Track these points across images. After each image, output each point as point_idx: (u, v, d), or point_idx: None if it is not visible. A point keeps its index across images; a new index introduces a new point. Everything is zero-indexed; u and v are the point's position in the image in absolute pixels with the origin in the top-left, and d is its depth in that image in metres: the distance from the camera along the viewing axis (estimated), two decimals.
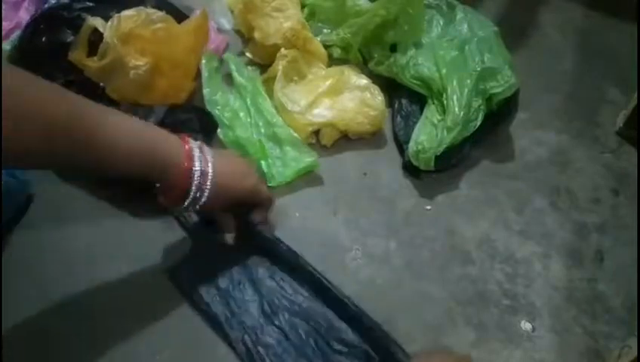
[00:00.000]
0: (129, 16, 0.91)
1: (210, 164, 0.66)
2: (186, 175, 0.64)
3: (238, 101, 0.99)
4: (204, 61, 0.99)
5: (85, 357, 0.73)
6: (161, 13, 0.94)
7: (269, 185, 0.91)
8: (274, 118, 0.95)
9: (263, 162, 0.92)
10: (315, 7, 1.12)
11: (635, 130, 1.03)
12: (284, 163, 0.92)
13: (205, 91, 0.98)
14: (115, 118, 0.60)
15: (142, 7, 0.94)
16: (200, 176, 0.65)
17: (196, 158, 0.64)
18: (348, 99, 0.99)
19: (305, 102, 0.97)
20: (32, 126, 0.50)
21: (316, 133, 0.99)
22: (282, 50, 1.01)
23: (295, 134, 0.94)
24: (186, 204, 0.67)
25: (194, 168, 0.64)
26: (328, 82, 1.00)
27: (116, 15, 0.91)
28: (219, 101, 0.97)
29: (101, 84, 0.94)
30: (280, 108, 0.97)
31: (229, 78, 1.03)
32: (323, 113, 0.97)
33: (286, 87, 0.99)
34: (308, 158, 0.92)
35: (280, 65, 1.00)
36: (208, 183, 0.66)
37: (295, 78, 1.02)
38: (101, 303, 0.77)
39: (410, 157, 0.94)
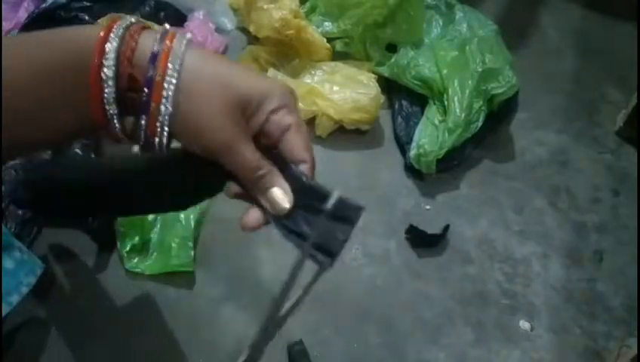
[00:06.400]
0: None
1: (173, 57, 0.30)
2: (94, 77, 0.29)
3: None
4: None
5: None
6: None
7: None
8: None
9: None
10: (317, 1, 1.12)
11: (635, 130, 1.03)
12: (159, 253, 0.83)
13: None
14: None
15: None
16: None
17: (113, 39, 0.29)
18: (341, 86, 0.98)
19: (297, 90, 0.96)
20: None
21: (312, 123, 0.98)
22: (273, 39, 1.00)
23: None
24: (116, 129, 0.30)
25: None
26: (321, 70, 1.00)
27: None
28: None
29: None
30: None
31: None
32: (315, 101, 0.97)
33: (277, 76, 0.98)
34: (175, 261, 0.82)
35: (267, 54, 1.00)
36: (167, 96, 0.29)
37: (287, 66, 1.02)
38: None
39: (412, 161, 0.93)
